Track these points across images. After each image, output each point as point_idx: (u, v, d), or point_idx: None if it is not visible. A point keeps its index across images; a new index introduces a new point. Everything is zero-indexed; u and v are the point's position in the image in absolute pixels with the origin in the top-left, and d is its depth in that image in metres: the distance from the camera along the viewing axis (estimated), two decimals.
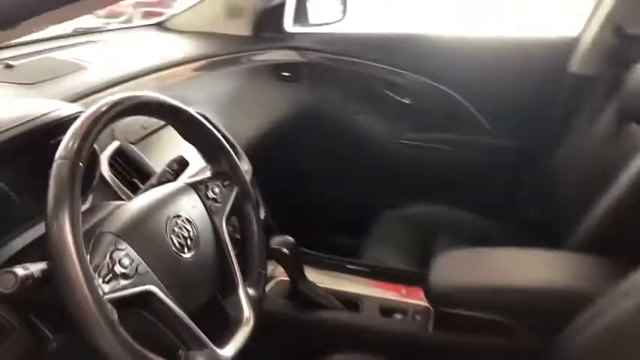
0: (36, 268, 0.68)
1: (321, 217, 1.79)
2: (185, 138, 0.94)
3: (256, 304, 0.92)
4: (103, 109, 0.74)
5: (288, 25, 1.88)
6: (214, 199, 0.92)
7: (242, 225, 0.98)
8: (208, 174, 0.95)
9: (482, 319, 1.08)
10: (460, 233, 1.58)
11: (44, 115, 0.83)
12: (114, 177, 1.06)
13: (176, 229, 0.82)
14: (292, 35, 1.88)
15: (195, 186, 0.91)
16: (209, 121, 1.31)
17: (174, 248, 0.81)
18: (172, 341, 0.78)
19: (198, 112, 1.28)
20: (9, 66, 1.21)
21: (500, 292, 1.07)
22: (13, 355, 0.77)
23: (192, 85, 1.54)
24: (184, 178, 0.98)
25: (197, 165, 1.09)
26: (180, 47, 1.67)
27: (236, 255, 0.95)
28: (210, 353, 0.78)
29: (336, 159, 1.87)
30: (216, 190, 0.93)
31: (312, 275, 1.29)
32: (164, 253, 0.79)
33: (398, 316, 1.22)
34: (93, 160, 0.97)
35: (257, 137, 1.60)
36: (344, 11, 1.93)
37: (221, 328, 0.87)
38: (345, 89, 1.91)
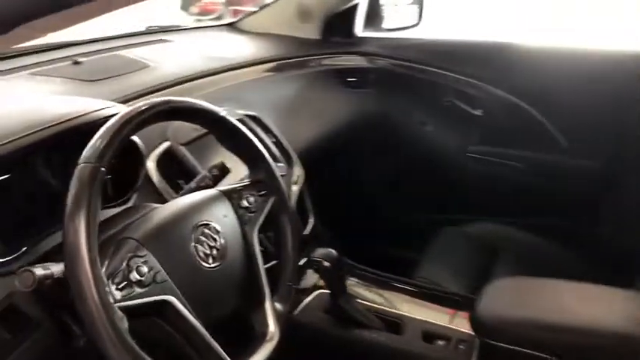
0: (57, 268, 0.69)
1: (375, 228, 1.75)
2: (222, 143, 0.93)
3: (282, 319, 0.89)
4: (132, 114, 0.74)
5: (359, 29, 1.85)
6: (248, 209, 0.90)
7: (276, 236, 0.95)
8: (245, 182, 0.93)
9: (531, 356, 1.00)
10: (523, 257, 1.49)
11: (85, 114, 0.85)
12: (160, 178, 1.06)
13: (202, 237, 0.81)
14: (362, 40, 1.84)
15: (229, 194, 0.90)
16: (261, 124, 1.31)
17: (197, 258, 0.80)
18: (190, 354, 0.77)
19: (250, 115, 1.28)
20: (77, 62, 1.26)
21: (551, 331, 0.98)
22: (38, 349, 0.79)
23: (254, 87, 1.54)
24: (221, 185, 0.97)
25: (240, 173, 1.08)
26: (248, 48, 1.68)
27: (270, 267, 0.93)
28: None
29: (396, 169, 1.81)
30: (251, 199, 0.91)
31: (357, 290, 1.25)
32: (186, 263, 0.78)
33: (440, 342, 1.15)
34: (138, 161, 0.99)
35: (315, 143, 1.58)
36: (420, 16, 1.88)
37: (244, 342, 0.85)
38: (413, 98, 1.85)
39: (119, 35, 1.57)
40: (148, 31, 1.66)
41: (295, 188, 1.33)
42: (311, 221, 1.36)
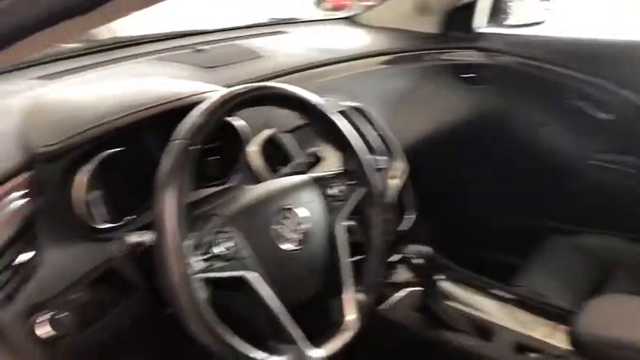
0: (149, 237, 0.75)
1: (477, 230, 1.68)
2: (316, 131, 0.95)
3: (363, 311, 0.90)
4: (226, 97, 0.78)
5: (479, 24, 1.78)
6: (335, 197, 0.92)
7: (363, 228, 0.96)
8: (335, 171, 0.95)
9: None
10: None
11: (189, 96, 0.91)
12: (260, 163, 1.11)
13: (286, 221, 0.84)
14: (482, 35, 1.78)
15: (317, 181, 0.92)
16: (365, 116, 1.31)
17: (280, 240, 0.83)
18: (264, 330, 0.80)
19: (355, 107, 1.29)
20: (198, 50, 1.35)
21: None
22: (131, 313, 0.87)
23: (365, 79, 1.55)
24: (313, 173, 1.00)
25: (335, 163, 1.10)
26: (364, 41, 1.69)
27: (357, 258, 0.94)
28: (298, 351, 0.79)
29: (507, 171, 1.73)
30: (339, 188, 0.92)
31: (449, 290, 1.22)
32: (269, 243, 0.82)
33: (533, 355, 1.09)
34: (238, 145, 1.04)
35: (423, 138, 1.56)
36: (546, 13, 1.78)
37: (321, 329, 0.87)
38: (534, 98, 1.75)
39: (241, 26, 1.65)
40: (269, 23, 1.73)
41: (396, 182, 1.32)
42: (410, 217, 1.35)
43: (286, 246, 0.83)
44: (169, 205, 0.70)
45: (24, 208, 0.80)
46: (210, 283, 0.73)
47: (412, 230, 1.33)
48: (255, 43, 1.45)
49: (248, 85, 0.83)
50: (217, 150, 1.03)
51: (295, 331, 0.79)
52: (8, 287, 0.76)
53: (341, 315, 0.88)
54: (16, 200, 0.80)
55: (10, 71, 1.13)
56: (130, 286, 0.85)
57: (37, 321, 0.76)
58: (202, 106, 0.77)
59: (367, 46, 1.64)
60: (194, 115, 0.76)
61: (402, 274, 1.24)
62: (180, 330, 0.76)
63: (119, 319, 0.85)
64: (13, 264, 0.77)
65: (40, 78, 1.10)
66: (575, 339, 0.98)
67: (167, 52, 1.32)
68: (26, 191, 0.81)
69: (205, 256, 0.74)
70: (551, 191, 1.69)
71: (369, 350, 1.20)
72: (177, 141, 0.74)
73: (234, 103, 0.80)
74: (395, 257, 1.24)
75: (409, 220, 1.34)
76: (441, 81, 1.75)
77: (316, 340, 0.82)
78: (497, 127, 1.74)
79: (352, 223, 0.96)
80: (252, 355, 0.74)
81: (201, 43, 1.40)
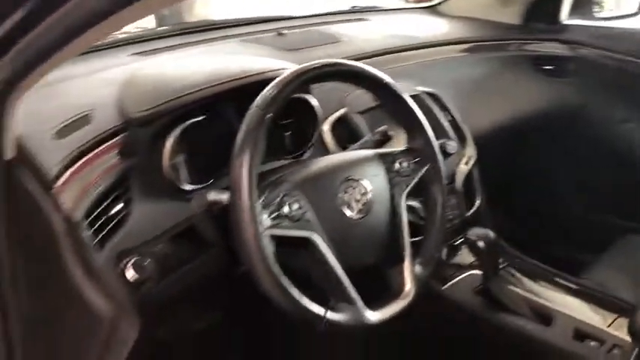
0: (226, 196, 0.83)
1: (545, 222, 1.66)
2: (385, 109, 1.00)
3: (420, 282, 0.94)
4: (300, 71, 0.84)
5: (564, 16, 1.75)
6: (399, 173, 0.96)
7: (425, 204, 1.00)
8: (401, 148, 0.99)
9: None
10: None
11: (267, 72, 0.98)
12: (332, 140, 1.17)
13: (350, 190, 0.89)
14: (566, 27, 1.75)
15: (383, 156, 0.96)
16: (439, 102, 1.34)
17: (344, 207, 0.88)
18: (324, 289, 0.86)
19: (429, 92, 1.32)
20: (280, 34, 1.42)
21: None
22: (206, 268, 0.95)
23: (443, 66, 1.57)
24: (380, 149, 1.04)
25: (402, 142, 1.14)
26: (443, 29, 1.71)
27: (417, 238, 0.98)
28: (356, 311, 0.84)
29: (583, 165, 1.69)
30: (404, 164, 0.97)
31: (511, 276, 1.23)
32: (333, 209, 0.87)
33: (592, 343, 1.09)
34: (313, 123, 1.11)
35: (497, 127, 1.56)
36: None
37: (378, 295, 0.92)
38: (618, 92, 1.70)
39: (324, 13, 1.72)
40: (350, 11, 1.79)
41: (464, 168, 1.34)
42: (477, 203, 1.36)
43: (350, 214, 0.89)
44: (244, 166, 0.77)
45: (119, 166, 0.91)
46: (277, 240, 0.80)
47: (478, 216, 1.35)
48: (335, 29, 1.51)
49: (322, 60, 0.89)
50: (293, 126, 1.10)
51: (353, 293, 0.85)
52: (102, 233, 0.86)
53: (398, 284, 0.92)
54: (113, 158, 0.91)
55: (107, 48, 1.26)
56: (207, 243, 0.93)
57: (125, 265, 0.86)
58: (278, 79, 0.84)
59: (446, 34, 1.66)
60: (270, 87, 0.83)
61: (465, 256, 1.27)
62: (251, 290, 0.83)
63: (195, 273, 0.94)
64: (107, 213, 0.88)
65: (135, 54, 1.22)
66: (634, 329, 0.97)
67: (252, 36, 1.41)
68: (122, 151, 0.92)
69: (274, 215, 0.81)
70: (629, 190, 1.64)
71: (430, 328, 1.24)
72: (253, 109, 0.81)
73: (307, 77, 0.86)
74: (459, 239, 1.27)
75: (475, 205, 1.35)
76: (520, 71, 1.74)
77: (372, 305, 0.87)
78: (575, 120, 1.70)
79: (415, 202, 1.00)
80: (312, 308, 0.80)
81: (284, 27, 1.48)
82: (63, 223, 0.82)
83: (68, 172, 0.84)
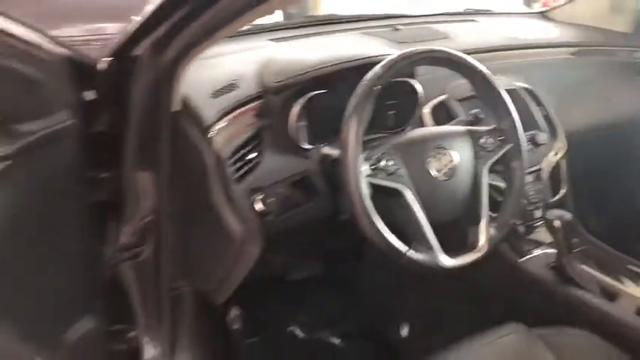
0: (336, 152, 1.04)
1: (622, 217, 1.69)
2: (477, 93, 1.15)
3: (493, 242, 1.09)
4: (405, 55, 1.03)
5: None
6: (484, 147, 1.12)
7: (506, 177, 1.14)
8: (488, 127, 1.14)
9: None
10: None
11: (379, 56, 1.18)
12: (432, 122, 1.35)
13: (439, 156, 1.07)
14: None
15: (471, 132, 1.13)
16: (534, 97, 1.47)
17: (432, 169, 1.06)
18: (408, 234, 1.04)
19: (525, 87, 1.46)
20: (396, 29, 1.62)
21: None
22: (315, 212, 1.17)
23: (544, 67, 1.68)
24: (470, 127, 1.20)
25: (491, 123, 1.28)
26: (550, 34, 1.81)
27: (495, 210, 1.13)
28: (433, 254, 1.02)
29: None
30: (490, 140, 1.12)
31: (583, 255, 1.33)
32: (423, 170, 1.06)
33: None
34: (415, 105, 1.30)
35: (590, 126, 1.64)
36: None
37: (455, 247, 1.08)
38: None
39: (439, 13, 1.88)
40: (464, 12, 1.93)
41: (553, 158, 1.46)
42: (562, 191, 1.47)
43: (436, 175, 1.06)
44: (352, 126, 0.97)
45: (256, 124, 1.15)
46: (374, 188, 0.99)
47: (560, 203, 1.46)
48: (445, 27, 1.68)
49: (424, 47, 1.07)
50: (397, 106, 1.30)
51: (433, 240, 1.02)
52: (240, 173, 1.11)
53: (473, 239, 1.08)
54: (252, 117, 1.15)
55: (250, 34, 1.51)
56: (317, 192, 1.16)
57: (255, 199, 1.10)
58: (386, 59, 1.04)
59: (553, 38, 1.76)
60: (379, 66, 1.03)
61: (543, 235, 1.38)
62: (351, 235, 1.03)
63: (306, 214, 1.17)
64: (244, 159, 1.12)
65: (272, 40, 1.46)
66: None
67: (370, 29, 1.61)
68: (258, 113, 1.16)
69: (372, 167, 1.00)
70: None
71: (499, 289, 1.38)
72: (363, 83, 1.01)
73: (412, 60, 1.04)
74: (539, 220, 1.39)
75: (560, 194, 1.47)
76: (624, 78, 1.79)
77: (448, 253, 1.04)
78: None
79: (496, 181, 1.15)
80: (396, 244, 0.98)
81: (400, 24, 1.67)
82: (213, 161, 1.07)
83: (218, 124, 1.10)
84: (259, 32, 1.53)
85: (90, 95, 1.02)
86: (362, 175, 0.98)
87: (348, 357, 1.66)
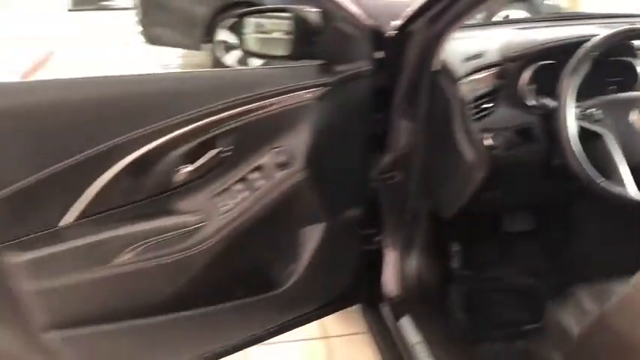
0: (553, 103, 1.36)
1: None
2: None
3: None
4: (620, 30, 1.31)
5: None
6: None
7: None
8: None
9: None
10: None
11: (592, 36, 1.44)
12: None
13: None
14: None
15: None
16: None
17: (633, 121, 1.31)
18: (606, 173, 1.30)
19: None
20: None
21: None
22: (532, 155, 1.48)
23: None
24: None
25: None
26: None
27: None
28: (624, 189, 1.27)
29: None
30: None
31: None
32: (624, 120, 1.31)
33: None
34: (633, 83, 1.53)
35: None
36: None
37: None
38: None
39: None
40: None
41: None
42: None
43: (637, 126, 1.31)
44: (567, 80, 1.29)
45: (495, 82, 1.53)
46: (581, 130, 1.29)
47: None
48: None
49: (635, 25, 1.33)
50: (617, 83, 1.54)
51: (626, 177, 1.26)
52: (476, 117, 1.49)
53: None
54: (491, 78, 1.54)
55: (497, 25, 1.88)
56: (536, 139, 1.48)
57: (486, 136, 1.47)
58: (605, 34, 1.32)
59: None
60: (599, 36, 1.32)
61: None
62: (561, 184, 1.30)
63: (525, 154, 1.49)
64: (481, 107, 1.51)
65: (516, 29, 1.81)
66: None
67: (606, 24, 1.85)
68: (497, 75, 1.53)
69: (581, 114, 1.30)
70: None
71: None
72: (582, 49, 1.31)
73: (632, 34, 1.31)
74: None
75: None
76: None
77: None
78: None
79: None
80: (592, 174, 1.26)
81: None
82: (458, 104, 1.47)
83: (465, 80, 1.50)
84: (506, 24, 1.90)
85: (379, 55, 1.50)
86: (571, 119, 1.28)
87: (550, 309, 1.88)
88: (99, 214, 1.16)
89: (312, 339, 2.10)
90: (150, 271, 1.23)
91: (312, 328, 2.13)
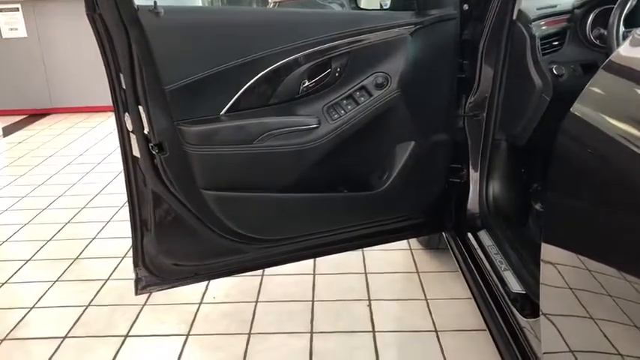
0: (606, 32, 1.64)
1: None
2: None
3: None
4: None
5: None
6: None
7: None
8: None
9: None
10: None
11: None
12: None
13: None
14: None
15: None
16: None
17: None
18: None
19: None
20: None
21: None
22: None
23: None
24: None
25: None
26: None
27: None
28: None
29: None
30: None
31: None
32: None
33: None
34: None
35: None
36: None
37: None
38: None
39: None
40: None
41: None
42: None
43: None
44: (617, 10, 1.55)
45: (563, 24, 1.82)
46: None
47: None
48: None
49: None
50: None
51: None
52: (546, 51, 1.78)
53: None
54: (561, 21, 1.82)
55: None
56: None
57: (553, 67, 1.75)
58: None
59: None
60: None
61: None
62: None
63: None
64: (550, 43, 1.79)
65: None
66: None
67: None
68: (568, 19, 1.82)
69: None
70: None
71: None
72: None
73: None
74: None
75: None
76: None
77: None
78: None
79: None
80: None
81: None
82: (530, 40, 1.77)
83: (539, 22, 1.79)
84: None
85: (466, 6, 1.85)
86: (620, 39, 1.55)
87: None
88: (245, 109, 1.62)
89: (408, 272, 2.44)
90: (279, 155, 1.66)
91: (409, 265, 2.47)
